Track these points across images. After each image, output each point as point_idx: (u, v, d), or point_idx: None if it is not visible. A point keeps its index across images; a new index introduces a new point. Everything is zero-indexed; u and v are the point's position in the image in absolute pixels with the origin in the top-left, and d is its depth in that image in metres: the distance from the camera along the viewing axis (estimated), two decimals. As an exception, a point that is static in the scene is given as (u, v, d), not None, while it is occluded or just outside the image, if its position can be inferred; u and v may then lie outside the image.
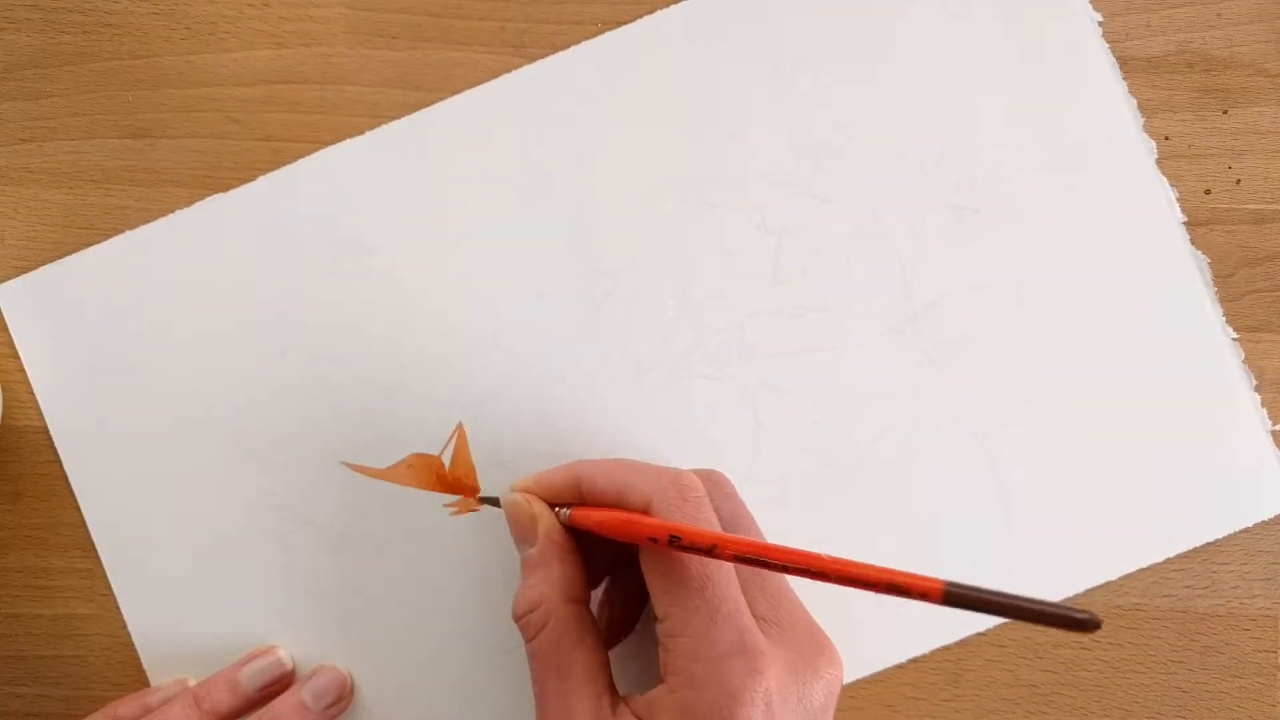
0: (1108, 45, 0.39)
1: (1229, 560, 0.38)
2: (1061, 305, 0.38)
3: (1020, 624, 0.38)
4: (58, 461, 0.39)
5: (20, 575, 0.39)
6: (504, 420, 0.38)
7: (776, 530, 0.35)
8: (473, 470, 0.38)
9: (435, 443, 0.38)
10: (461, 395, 0.38)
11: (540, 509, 0.34)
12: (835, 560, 0.27)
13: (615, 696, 0.31)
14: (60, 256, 0.39)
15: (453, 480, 0.38)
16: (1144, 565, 0.38)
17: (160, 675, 0.38)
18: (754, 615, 0.31)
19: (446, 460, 0.38)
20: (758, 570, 0.32)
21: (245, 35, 0.39)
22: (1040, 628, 0.24)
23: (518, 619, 0.32)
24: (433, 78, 0.39)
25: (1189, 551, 0.38)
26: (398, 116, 0.39)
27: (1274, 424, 0.38)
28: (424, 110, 0.39)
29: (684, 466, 0.34)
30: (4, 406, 0.39)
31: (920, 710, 0.38)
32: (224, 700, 0.36)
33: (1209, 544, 0.38)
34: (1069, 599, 0.38)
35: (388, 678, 0.38)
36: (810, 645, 0.31)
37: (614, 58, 0.39)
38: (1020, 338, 0.38)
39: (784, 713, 0.29)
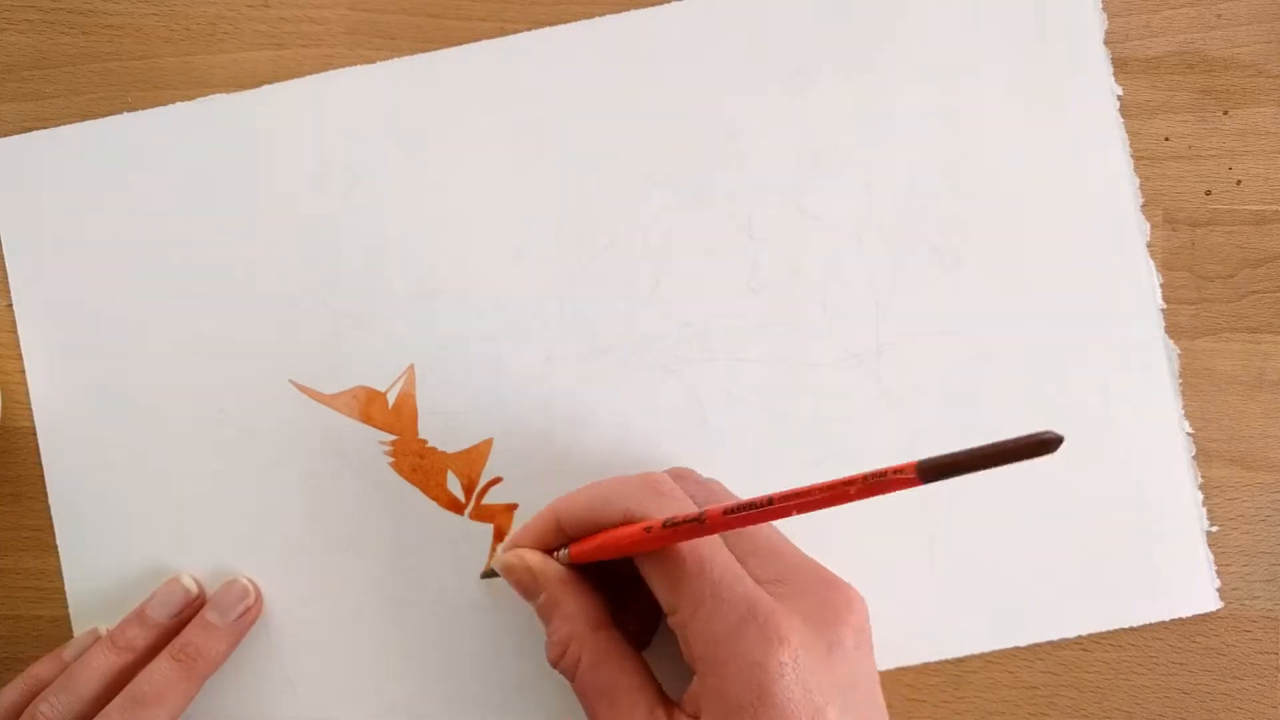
0: (1118, 109, 0.39)
1: (1229, 561, 0.38)
2: (1026, 370, 0.38)
3: (1018, 629, 0.38)
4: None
5: (20, 577, 0.39)
6: (456, 371, 0.38)
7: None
8: (415, 413, 0.38)
9: (385, 380, 0.38)
10: (420, 338, 0.39)
11: (533, 558, 0.34)
12: (817, 487, 0.27)
13: (669, 705, 0.31)
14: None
15: (394, 420, 0.38)
16: (1054, 639, 0.38)
17: (83, 614, 0.38)
18: (758, 581, 0.30)
19: (391, 399, 0.38)
20: (746, 537, 0.32)
21: (245, 36, 0.39)
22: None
23: (555, 665, 0.33)
24: (433, 78, 0.39)
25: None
26: (397, 117, 0.39)
27: (1211, 525, 0.38)
28: (437, 52, 0.39)
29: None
30: (3, 408, 0.39)
31: (922, 712, 0.38)
32: (138, 635, 0.36)
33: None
34: (977, 655, 0.38)
35: (294, 596, 0.38)
36: (823, 591, 0.31)
37: (628, 38, 0.39)
38: (979, 391, 0.38)
39: (814, 667, 0.29)
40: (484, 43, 0.39)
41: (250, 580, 0.38)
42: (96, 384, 0.39)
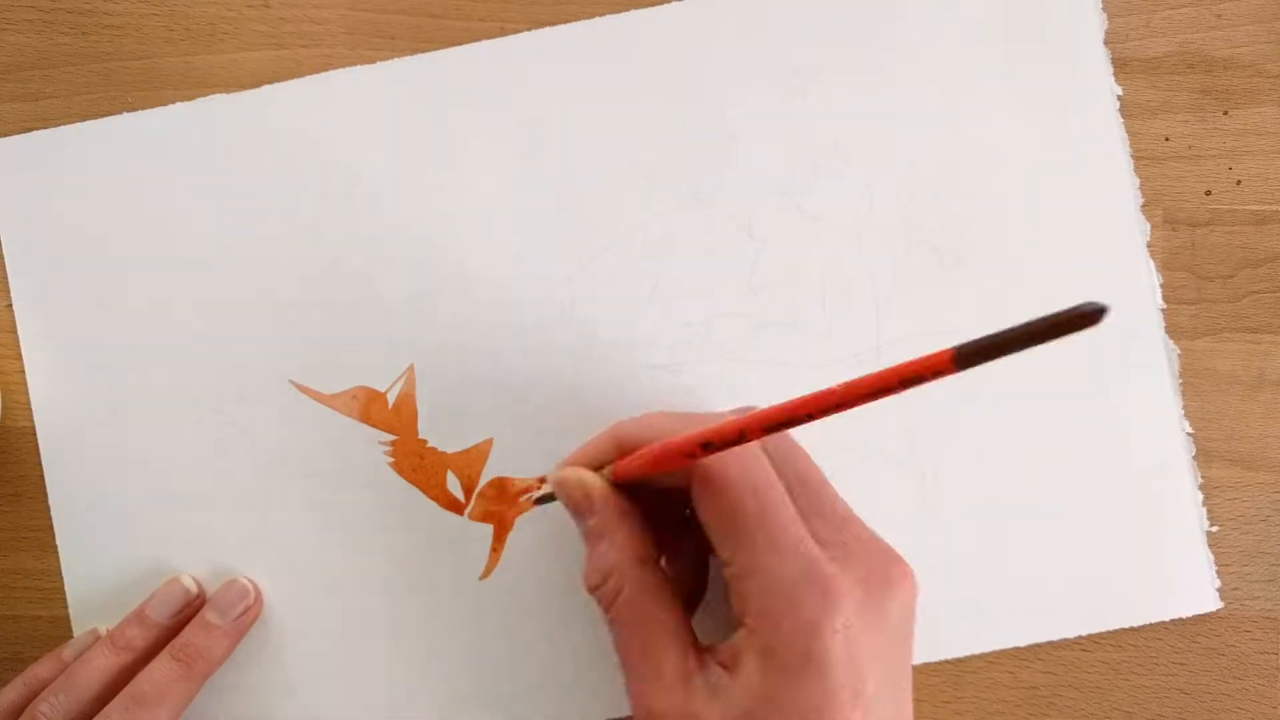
0: (1118, 109, 0.39)
1: (1229, 561, 0.38)
2: (1025, 369, 0.38)
3: (1018, 629, 0.38)
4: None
5: (19, 577, 0.39)
6: (456, 371, 0.38)
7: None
8: (415, 413, 0.38)
9: (385, 380, 0.38)
10: (420, 338, 0.38)
11: (590, 478, 0.33)
12: (852, 383, 0.26)
13: (700, 650, 0.31)
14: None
15: (393, 420, 0.38)
16: (1053, 639, 0.38)
17: (83, 617, 0.38)
18: (819, 542, 0.30)
19: (391, 399, 0.38)
20: (813, 498, 0.31)
21: (245, 36, 0.39)
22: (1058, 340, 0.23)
23: (591, 591, 0.32)
24: (432, 79, 0.39)
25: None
26: (397, 117, 0.39)
27: (1211, 525, 0.38)
28: (437, 52, 0.39)
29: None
30: (3, 408, 0.39)
31: (922, 712, 0.38)
32: (138, 635, 0.37)
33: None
34: (977, 655, 0.38)
35: (294, 596, 0.38)
36: (881, 562, 0.31)
37: (628, 37, 0.39)
38: (978, 391, 0.38)
39: (863, 636, 0.29)
40: (484, 43, 0.39)
41: (250, 580, 0.38)
42: (96, 384, 0.39)
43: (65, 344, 0.39)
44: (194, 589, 0.38)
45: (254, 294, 0.39)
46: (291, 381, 0.39)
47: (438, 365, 0.38)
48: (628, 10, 0.39)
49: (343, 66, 0.39)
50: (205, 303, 0.39)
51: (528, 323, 0.39)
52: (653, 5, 0.39)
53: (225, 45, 0.39)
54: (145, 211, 0.39)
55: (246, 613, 0.37)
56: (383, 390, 0.38)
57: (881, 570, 0.31)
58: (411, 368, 0.39)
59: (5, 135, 0.39)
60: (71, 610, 0.38)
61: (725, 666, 0.30)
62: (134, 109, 0.39)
